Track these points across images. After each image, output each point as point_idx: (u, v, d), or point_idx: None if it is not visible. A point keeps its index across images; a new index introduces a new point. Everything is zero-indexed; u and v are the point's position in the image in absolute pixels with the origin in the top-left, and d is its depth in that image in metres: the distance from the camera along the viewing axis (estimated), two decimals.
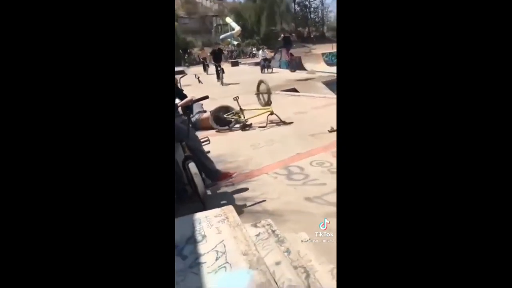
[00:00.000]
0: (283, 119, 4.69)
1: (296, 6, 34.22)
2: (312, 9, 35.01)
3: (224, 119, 4.66)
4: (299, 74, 11.07)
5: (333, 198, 2.35)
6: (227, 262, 1.21)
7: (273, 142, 3.82)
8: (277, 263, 1.34)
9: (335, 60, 16.78)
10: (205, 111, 4.87)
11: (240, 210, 2.31)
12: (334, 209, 2.21)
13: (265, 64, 12.27)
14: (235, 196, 2.56)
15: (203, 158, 2.45)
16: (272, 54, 13.23)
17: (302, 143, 3.64)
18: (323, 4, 44.91)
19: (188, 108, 2.56)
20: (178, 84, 5.32)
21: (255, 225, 1.67)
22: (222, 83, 9.86)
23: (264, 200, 2.40)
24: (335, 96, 6.40)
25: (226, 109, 4.80)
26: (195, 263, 1.22)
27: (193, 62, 16.61)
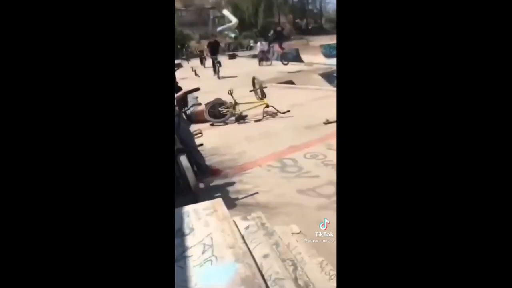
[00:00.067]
0: (279, 110, 4.67)
1: None
2: (310, 0, 34.76)
3: (219, 112, 4.63)
4: (296, 66, 11.02)
5: (326, 190, 2.34)
6: (213, 256, 1.20)
7: (268, 135, 3.81)
8: (265, 256, 1.33)
9: (333, 52, 16.72)
10: (200, 104, 4.84)
11: (232, 203, 2.30)
12: (326, 201, 2.20)
13: (263, 57, 12.13)
14: (228, 188, 2.55)
15: (194, 152, 2.44)
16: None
17: (297, 136, 3.62)
18: None
19: (182, 100, 2.54)
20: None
21: (245, 218, 1.66)
22: (218, 77, 9.72)
23: (257, 193, 2.39)
24: (332, 88, 6.39)
25: (221, 102, 4.77)
26: (181, 257, 1.20)
27: (190, 55, 16.50)
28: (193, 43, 18.64)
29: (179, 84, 2.84)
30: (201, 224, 1.43)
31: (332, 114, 4.02)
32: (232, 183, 2.61)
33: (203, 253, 1.22)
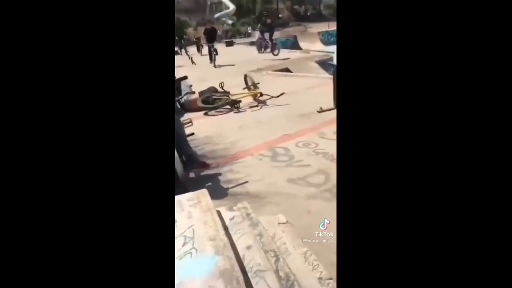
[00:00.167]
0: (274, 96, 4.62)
1: None
2: None
3: (212, 100, 4.58)
4: (293, 54, 10.89)
5: (316, 179, 2.33)
6: (194, 248, 1.18)
7: (261, 124, 3.78)
8: (248, 247, 1.31)
9: (332, 39, 16.52)
10: (193, 92, 4.79)
11: (222, 192, 2.29)
12: (316, 190, 2.19)
13: (263, 44, 11.71)
14: (219, 178, 2.54)
15: (182, 142, 2.41)
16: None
17: (290, 124, 3.60)
18: None
19: (176, 89, 2.50)
20: None
21: (230, 209, 1.65)
22: (214, 65, 9.47)
23: (246, 182, 2.38)
24: (328, 75, 6.32)
25: (215, 90, 4.72)
26: None
27: (187, 43, 16.30)
28: (190, 30, 18.33)
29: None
30: (184, 216, 1.41)
31: (327, 102, 3.99)
32: (223, 173, 2.59)
33: (183, 245, 1.21)
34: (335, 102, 3.87)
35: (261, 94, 4.61)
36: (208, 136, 3.48)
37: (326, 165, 2.53)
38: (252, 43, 14.51)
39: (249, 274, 1.18)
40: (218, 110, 4.53)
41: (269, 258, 1.26)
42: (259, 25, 12.08)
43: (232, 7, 23.58)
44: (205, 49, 11.65)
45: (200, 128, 3.58)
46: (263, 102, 4.63)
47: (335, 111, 3.66)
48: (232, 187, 2.33)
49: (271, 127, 3.61)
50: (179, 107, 2.44)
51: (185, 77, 2.47)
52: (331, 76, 4.65)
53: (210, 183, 2.49)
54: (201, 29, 12.89)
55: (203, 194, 1.62)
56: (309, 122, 3.60)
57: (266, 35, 10.98)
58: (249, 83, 5.29)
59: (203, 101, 4.54)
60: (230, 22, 23.87)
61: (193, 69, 9.48)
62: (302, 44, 15.37)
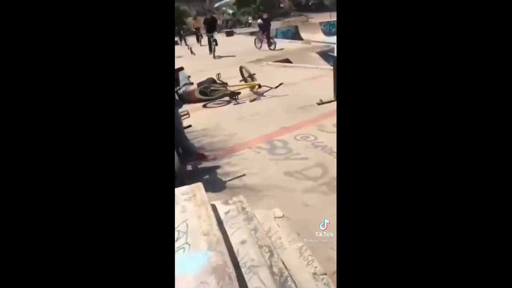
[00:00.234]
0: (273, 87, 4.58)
1: None
2: None
3: (210, 91, 4.53)
4: (294, 44, 10.79)
5: (314, 173, 2.31)
6: (187, 243, 1.17)
7: (260, 116, 3.75)
8: (243, 242, 1.31)
9: (333, 29, 16.32)
10: (192, 83, 4.74)
11: (219, 185, 2.28)
12: (313, 183, 2.18)
13: (259, 39, 11.49)
14: (216, 171, 2.52)
15: (180, 134, 2.39)
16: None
17: (289, 116, 3.57)
18: None
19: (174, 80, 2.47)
20: None
21: (226, 202, 1.64)
22: (214, 56, 9.37)
23: (244, 175, 2.36)
24: (329, 67, 6.26)
25: (213, 81, 4.68)
26: None
27: (187, 33, 16.14)
28: (189, 20, 18.15)
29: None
30: (178, 210, 1.40)
31: (327, 94, 3.95)
32: (220, 166, 2.58)
33: (176, 240, 1.20)
34: (335, 94, 3.84)
35: (260, 86, 4.57)
36: (206, 128, 3.46)
37: (324, 158, 2.51)
38: (252, 33, 14.35)
39: (243, 270, 1.17)
40: (216, 102, 4.50)
41: (263, 254, 1.25)
42: (258, 20, 11.85)
43: None
44: (205, 39, 11.52)
45: (198, 120, 3.55)
46: (261, 94, 4.59)
47: (335, 103, 3.63)
48: (229, 180, 2.31)
49: (270, 119, 3.59)
50: (177, 98, 2.40)
51: (181, 68, 2.43)
52: (332, 68, 4.61)
53: (207, 176, 2.48)
54: (201, 19, 12.74)
55: (198, 187, 1.61)
56: (308, 114, 3.57)
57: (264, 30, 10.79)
58: (245, 75, 5.23)
59: (201, 92, 4.50)
60: (230, 11, 23.62)
61: (193, 60, 9.41)
62: (303, 34, 15.22)
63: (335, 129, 2.48)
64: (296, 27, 17.18)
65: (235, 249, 1.25)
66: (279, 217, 1.73)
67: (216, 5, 23.82)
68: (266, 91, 4.59)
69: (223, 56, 9.08)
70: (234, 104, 4.42)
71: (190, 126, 2.94)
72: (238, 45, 11.31)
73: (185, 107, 3.85)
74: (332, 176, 2.22)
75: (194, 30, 14.10)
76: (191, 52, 10.89)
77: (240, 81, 5.21)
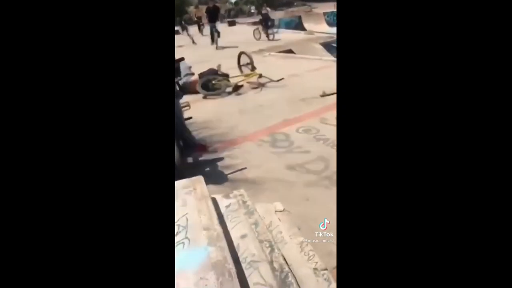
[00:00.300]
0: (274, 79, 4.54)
1: None
2: None
3: (212, 85, 4.47)
4: (297, 35, 10.66)
5: (315, 166, 2.30)
6: (187, 238, 1.16)
7: (262, 108, 3.71)
8: (243, 237, 1.29)
9: None
10: (193, 74, 4.69)
11: (220, 178, 2.27)
12: (314, 177, 2.16)
13: (268, 24, 11.32)
14: (218, 163, 2.51)
15: (181, 126, 2.37)
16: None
17: (291, 109, 3.53)
18: None
19: (175, 70, 2.43)
20: None
21: (226, 196, 1.62)
22: (216, 47, 9.23)
23: (245, 168, 2.35)
24: (332, 58, 6.20)
25: (215, 72, 4.62)
26: None
27: (188, 22, 15.96)
28: (191, 9, 17.95)
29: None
30: (179, 204, 1.39)
31: (330, 86, 3.91)
32: (221, 158, 2.56)
33: (176, 235, 1.19)
34: None
35: (260, 76, 4.52)
36: (206, 120, 3.43)
37: (326, 151, 2.49)
38: (254, 23, 14.19)
39: (243, 265, 1.16)
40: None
41: (263, 249, 1.24)
42: (259, 18, 11.72)
43: None
44: (207, 29, 11.39)
45: (199, 112, 3.53)
46: (262, 85, 4.54)
47: None
48: (230, 173, 2.30)
49: (272, 111, 3.55)
50: (178, 89, 2.38)
51: (182, 59, 2.40)
52: (335, 59, 4.55)
53: (208, 168, 2.46)
54: (203, 8, 12.58)
55: (198, 181, 1.59)
56: (310, 107, 3.54)
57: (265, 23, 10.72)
58: (243, 62, 5.17)
59: (203, 86, 4.42)
60: (233, 0, 23.35)
61: (194, 49, 9.32)
62: (306, 25, 15.04)
63: None
64: (300, 18, 16.96)
65: (235, 244, 1.24)
66: (280, 211, 1.72)
67: None
68: (267, 82, 4.54)
69: (226, 47, 8.96)
70: (236, 94, 4.38)
71: (190, 118, 2.92)
72: (240, 35, 11.18)
73: (186, 98, 3.82)
74: (334, 170, 2.21)
75: (195, 19, 13.94)
76: (193, 41, 10.77)
77: (242, 65, 5.15)
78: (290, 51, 7.67)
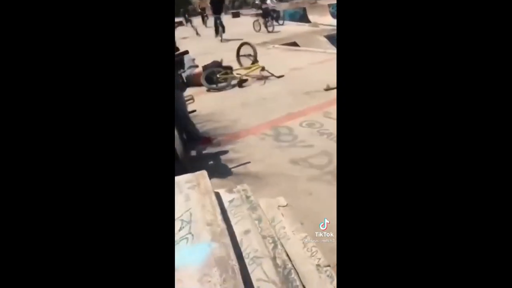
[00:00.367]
0: (276, 75, 4.51)
1: None
2: None
3: (217, 79, 4.44)
4: (301, 27, 10.57)
5: (319, 161, 2.29)
6: (190, 233, 1.16)
7: (265, 101, 3.69)
8: (246, 232, 1.30)
9: None
10: (197, 66, 4.67)
11: (223, 172, 2.26)
12: (317, 172, 2.16)
13: (272, 15, 11.23)
14: (221, 157, 2.51)
15: (185, 119, 2.36)
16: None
17: (295, 102, 3.51)
18: None
19: (178, 63, 2.41)
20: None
21: (230, 191, 1.62)
22: (221, 40, 9.10)
23: (249, 162, 2.34)
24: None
25: (219, 64, 4.59)
26: None
27: (192, 13, 15.82)
28: (195, 0, 17.80)
29: (177, 44, 2.71)
30: (182, 199, 1.39)
31: (334, 80, 3.86)
32: (224, 152, 2.56)
33: (180, 230, 1.19)
34: None
35: (263, 68, 4.49)
36: (210, 113, 3.42)
37: (329, 146, 2.47)
38: (258, 15, 14.06)
39: (246, 261, 1.16)
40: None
41: (266, 245, 1.25)
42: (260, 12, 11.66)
43: None
44: (210, 20, 11.29)
45: (202, 105, 3.51)
46: (266, 78, 4.52)
47: None
48: (234, 167, 2.30)
49: (275, 105, 3.53)
50: (181, 81, 2.36)
51: (186, 52, 2.38)
52: None
53: (211, 162, 2.46)
54: None
55: (202, 175, 1.59)
56: (314, 100, 3.51)
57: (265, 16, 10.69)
58: (242, 53, 5.13)
59: (207, 79, 4.39)
60: None
61: (198, 41, 9.26)
62: (311, 17, 14.87)
63: None
64: (304, 9, 16.76)
65: (238, 239, 1.25)
66: (283, 206, 1.71)
67: None
68: (269, 76, 4.51)
69: (230, 40, 8.85)
70: (239, 87, 4.36)
71: (194, 111, 2.91)
72: (245, 27, 11.08)
73: (189, 90, 3.80)
74: None
75: (199, 10, 13.82)
76: (197, 33, 10.70)
77: (242, 56, 5.11)
78: (294, 44, 7.60)
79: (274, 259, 1.18)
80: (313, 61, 5.40)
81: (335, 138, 2.60)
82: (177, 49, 2.54)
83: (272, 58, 5.35)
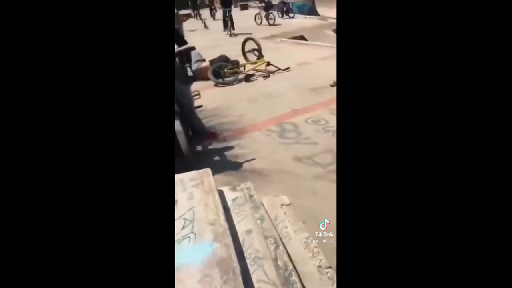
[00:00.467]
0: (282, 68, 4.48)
1: None
2: None
3: (224, 73, 4.42)
4: (309, 20, 10.46)
5: (323, 159, 2.28)
6: (193, 232, 1.17)
7: (271, 97, 3.68)
8: (248, 232, 1.30)
9: None
10: (204, 60, 4.66)
11: (229, 168, 2.27)
12: (322, 170, 2.15)
13: (283, 7, 11.25)
14: (226, 153, 2.51)
15: (191, 115, 2.36)
16: None
17: (301, 98, 3.49)
18: None
19: (186, 57, 2.41)
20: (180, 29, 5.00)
21: (233, 189, 1.63)
22: (230, 34, 8.91)
23: (254, 159, 2.34)
24: None
25: (226, 59, 4.58)
26: None
27: (201, 6, 15.71)
28: None
29: (185, 38, 2.70)
30: (186, 197, 1.40)
31: None
32: (229, 148, 2.56)
33: (182, 228, 1.20)
34: None
35: (269, 64, 4.47)
36: (216, 107, 3.42)
37: (334, 144, 2.46)
38: (261, 8, 13.94)
39: (247, 261, 1.17)
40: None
41: (268, 245, 1.25)
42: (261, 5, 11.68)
43: None
44: (219, 13, 11.21)
45: (208, 99, 3.51)
46: (272, 73, 4.49)
47: None
48: (239, 164, 2.30)
49: (281, 100, 3.52)
50: (188, 75, 2.35)
51: (193, 48, 2.37)
52: None
53: (217, 157, 2.47)
54: None
55: (206, 173, 1.59)
56: (320, 96, 3.49)
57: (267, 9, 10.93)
58: (247, 48, 5.11)
59: (214, 73, 4.38)
60: None
61: (206, 34, 9.22)
62: (320, 9, 14.66)
63: None
64: (313, 1, 16.53)
65: (240, 239, 1.25)
66: (286, 205, 1.72)
67: None
68: (275, 71, 4.48)
69: (239, 34, 8.74)
70: (246, 82, 4.35)
71: (201, 106, 2.91)
72: (253, 20, 11.01)
73: (196, 84, 3.79)
74: None
75: (208, 2, 13.73)
76: (205, 26, 10.64)
77: (247, 52, 5.10)
78: (302, 38, 7.53)
79: (275, 260, 1.19)
80: (320, 55, 5.35)
81: None
82: (185, 42, 2.52)
83: (280, 52, 5.30)
